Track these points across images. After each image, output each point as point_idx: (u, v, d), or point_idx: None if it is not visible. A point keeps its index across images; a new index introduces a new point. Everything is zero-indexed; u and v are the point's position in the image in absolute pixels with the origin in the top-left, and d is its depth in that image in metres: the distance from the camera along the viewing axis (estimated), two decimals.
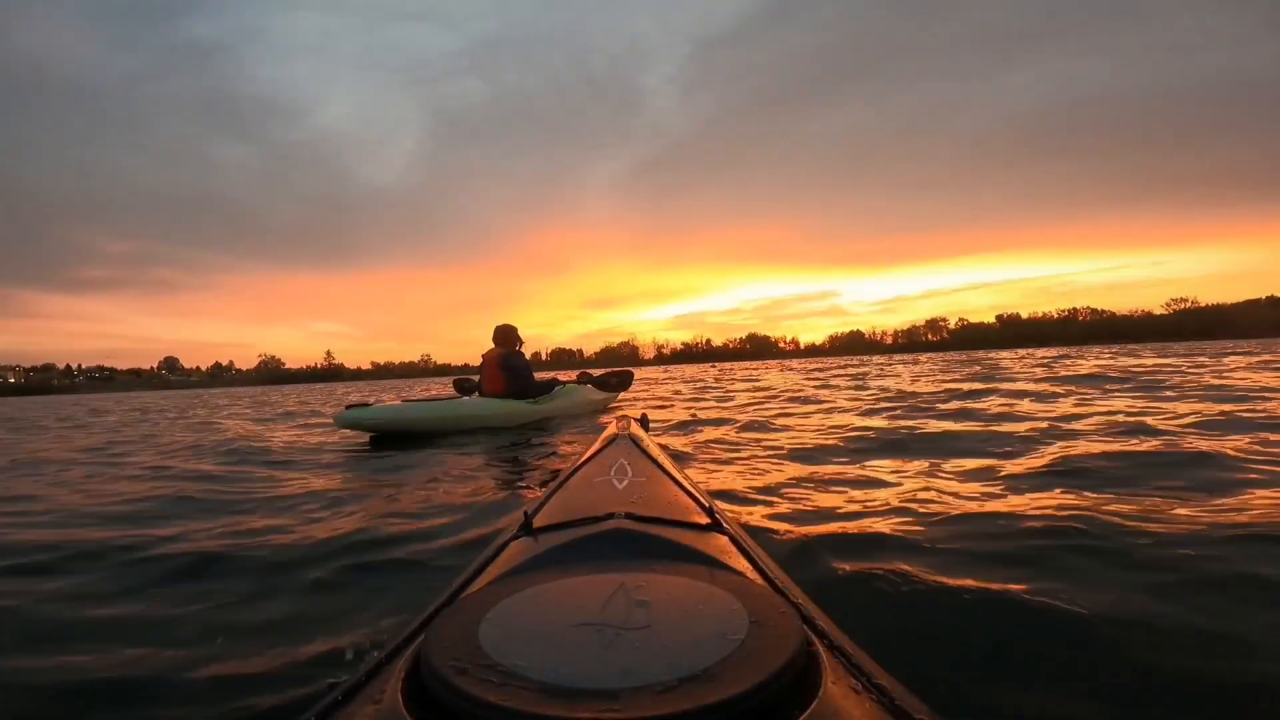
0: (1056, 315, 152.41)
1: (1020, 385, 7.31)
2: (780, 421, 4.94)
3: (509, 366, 5.78)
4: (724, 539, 0.79)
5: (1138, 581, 1.29)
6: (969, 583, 1.32)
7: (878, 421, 4.49)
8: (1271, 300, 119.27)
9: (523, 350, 6.06)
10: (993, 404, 5.35)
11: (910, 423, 4.30)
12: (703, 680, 0.44)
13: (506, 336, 5.92)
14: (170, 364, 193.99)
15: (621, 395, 8.23)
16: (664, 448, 1.41)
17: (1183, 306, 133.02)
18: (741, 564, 0.71)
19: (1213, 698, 0.92)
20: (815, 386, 9.49)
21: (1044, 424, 3.81)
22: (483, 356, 5.92)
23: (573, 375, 7.21)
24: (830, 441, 3.59)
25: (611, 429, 1.48)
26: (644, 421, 2.00)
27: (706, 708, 0.41)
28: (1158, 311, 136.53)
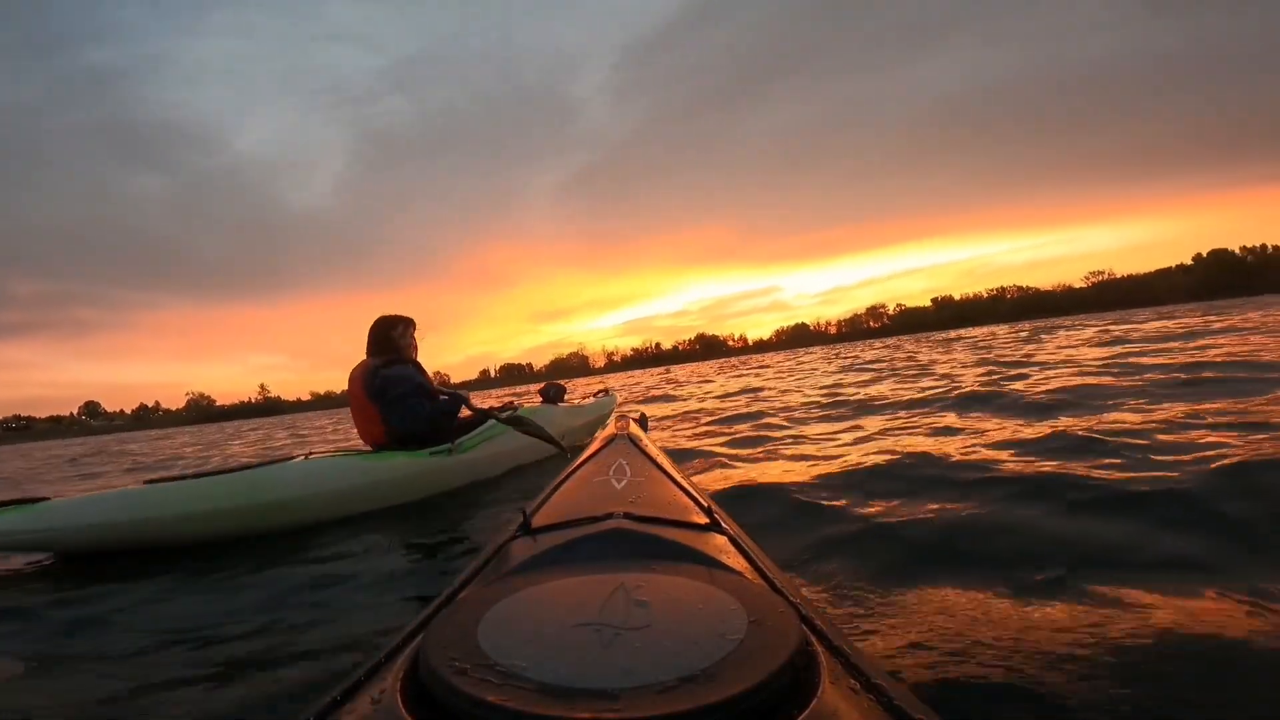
0: (986, 295, 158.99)
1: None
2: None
3: (381, 387, 3.07)
4: (723, 539, 0.79)
5: (1147, 581, 1.29)
6: (966, 580, 1.34)
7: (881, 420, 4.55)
8: (1183, 268, 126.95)
9: (415, 359, 3.33)
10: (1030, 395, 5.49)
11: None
12: (702, 680, 0.44)
13: (383, 337, 3.24)
14: (92, 409, 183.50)
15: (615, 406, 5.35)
16: (663, 448, 1.41)
17: (1101, 279, 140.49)
18: (740, 564, 0.72)
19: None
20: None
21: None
22: (350, 376, 3.25)
23: (528, 397, 4.75)
24: (829, 442, 3.60)
25: (610, 429, 1.48)
26: (643, 421, 2.00)
27: (706, 707, 0.41)
28: (1078, 285, 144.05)
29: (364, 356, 3.30)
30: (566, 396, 4.41)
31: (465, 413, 3.41)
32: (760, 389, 8.33)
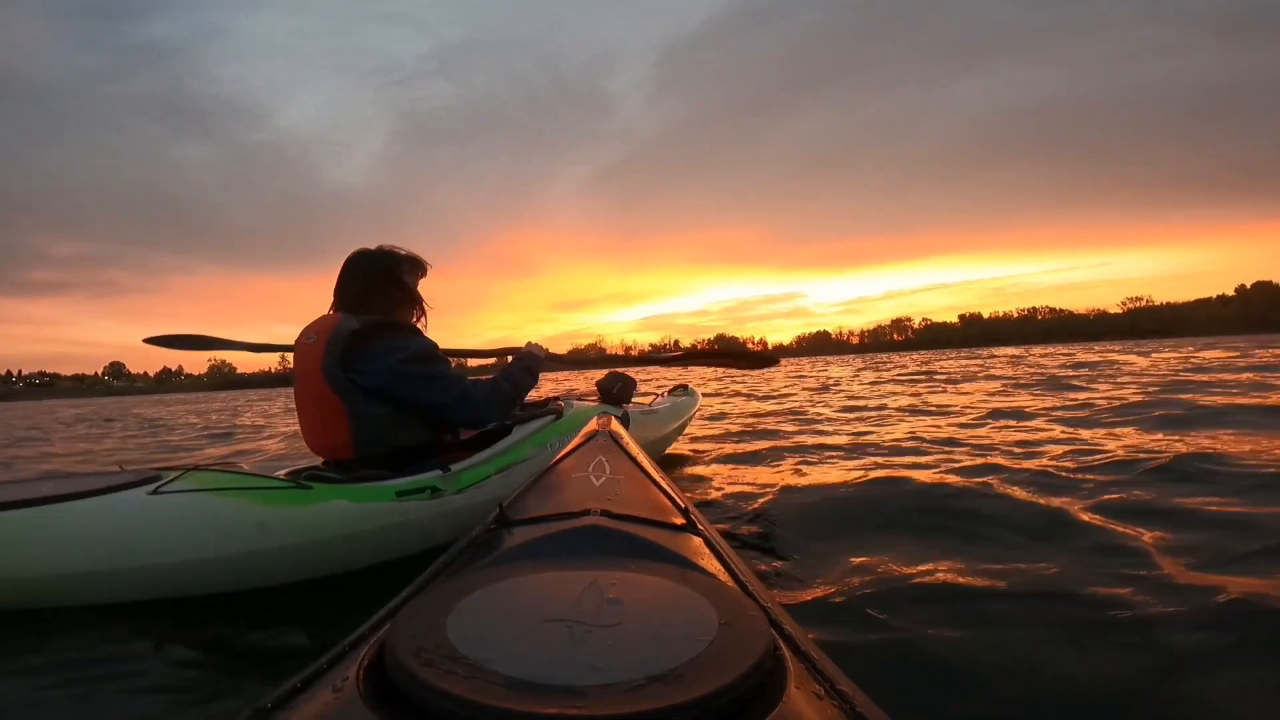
0: (1016, 315, 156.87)
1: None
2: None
3: (345, 356, 1.68)
4: (698, 540, 0.78)
5: (1128, 593, 1.29)
6: (937, 592, 1.34)
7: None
8: (1222, 299, 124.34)
9: (419, 321, 1.98)
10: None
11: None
12: (670, 680, 0.43)
13: (381, 279, 1.89)
14: (116, 369, 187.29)
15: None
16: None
17: (1138, 305, 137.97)
18: (714, 566, 0.71)
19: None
20: None
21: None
22: (299, 345, 1.82)
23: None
24: (812, 446, 3.58)
25: (592, 425, 1.47)
26: (625, 419, 1.98)
27: (672, 707, 0.41)
28: (1113, 310, 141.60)
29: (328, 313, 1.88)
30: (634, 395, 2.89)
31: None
32: None
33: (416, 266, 2.00)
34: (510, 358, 2.13)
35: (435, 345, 1.84)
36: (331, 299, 1.88)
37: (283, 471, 1.70)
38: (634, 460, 1.15)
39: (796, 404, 6.63)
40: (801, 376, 13.98)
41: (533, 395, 2.39)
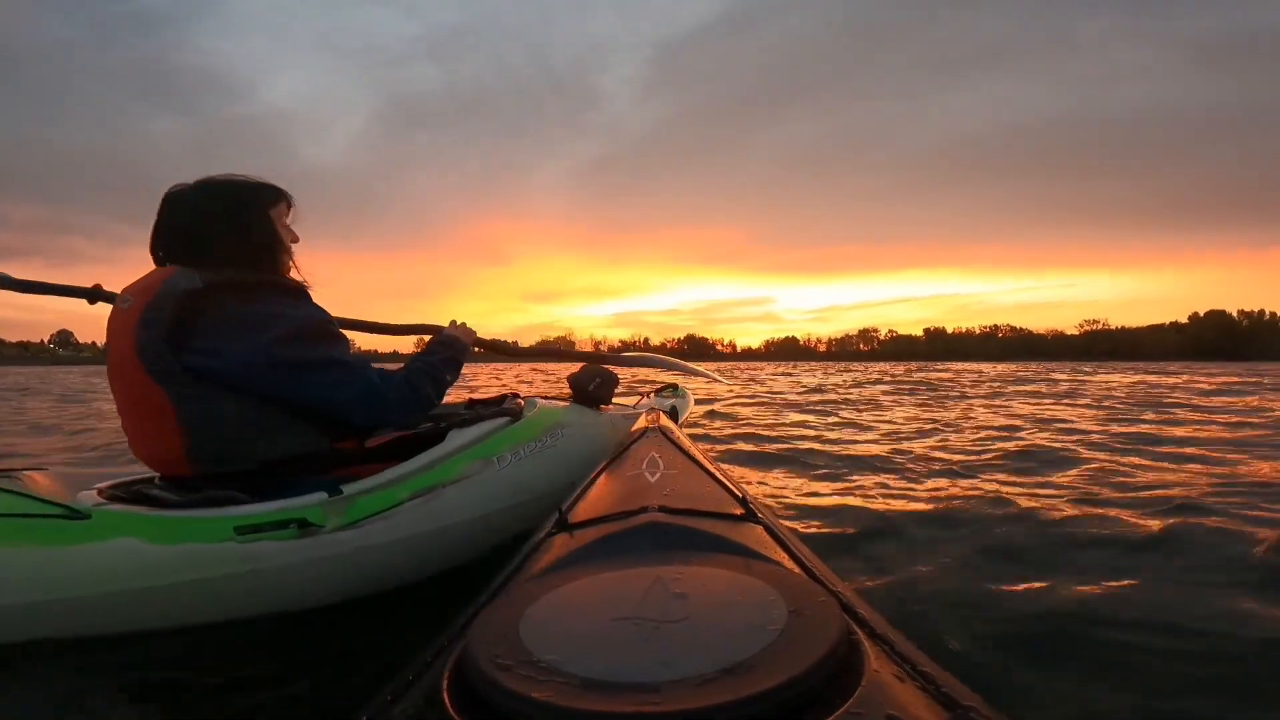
0: (979, 331, 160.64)
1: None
2: None
3: (175, 329, 1.12)
4: (759, 529, 0.79)
5: (1209, 580, 1.31)
6: (1012, 573, 1.35)
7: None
8: (1175, 326, 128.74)
9: (299, 284, 1.30)
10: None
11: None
12: (742, 671, 0.44)
13: (200, 214, 1.23)
14: (63, 338, 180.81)
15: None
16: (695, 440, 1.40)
17: (1095, 328, 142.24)
18: (778, 554, 0.72)
19: None
20: None
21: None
22: (112, 321, 1.21)
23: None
24: (863, 435, 3.60)
25: (641, 422, 1.46)
26: (673, 413, 1.99)
27: (747, 698, 0.41)
28: (1070, 332, 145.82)
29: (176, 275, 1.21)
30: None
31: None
32: None
33: (277, 197, 1.34)
34: (427, 340, 1.55)
35: (326, 316, 1.30)
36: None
37: (105, 484, 1.24)
38: (687, 454, 1.15)
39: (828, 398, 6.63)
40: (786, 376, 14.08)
41: (490, 391, 1.96)
